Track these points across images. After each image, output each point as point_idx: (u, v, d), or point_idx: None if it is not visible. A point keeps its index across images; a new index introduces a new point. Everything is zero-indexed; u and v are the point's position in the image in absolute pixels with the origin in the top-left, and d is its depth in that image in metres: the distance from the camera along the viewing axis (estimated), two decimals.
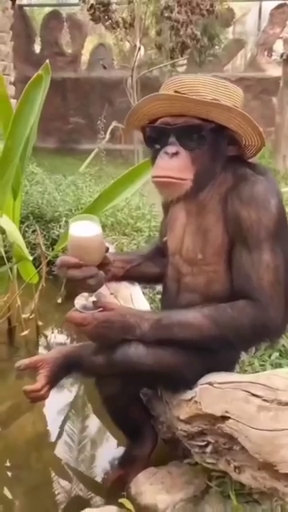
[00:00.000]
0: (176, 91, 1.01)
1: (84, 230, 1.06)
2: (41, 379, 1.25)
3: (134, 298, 1.87)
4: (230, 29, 10.21)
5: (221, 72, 9.28)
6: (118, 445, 1.62)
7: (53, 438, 1.70)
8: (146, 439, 1.43)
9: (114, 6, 3.91)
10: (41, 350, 2.37)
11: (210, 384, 1.02)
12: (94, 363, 1.21)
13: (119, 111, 8.76)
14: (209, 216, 1.11)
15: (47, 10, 10.72)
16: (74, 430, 1.76)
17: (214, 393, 0.98)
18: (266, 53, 9.55)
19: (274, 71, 9.04)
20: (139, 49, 3.95)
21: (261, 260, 1.02)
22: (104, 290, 1.19)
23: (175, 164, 1.02)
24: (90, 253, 1.09)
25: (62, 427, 1.76)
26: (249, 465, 0.92)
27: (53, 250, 2.98)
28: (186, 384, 1.17)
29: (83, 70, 9.90)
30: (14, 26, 5.98)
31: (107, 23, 4.45)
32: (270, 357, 1.51)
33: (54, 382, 1.27)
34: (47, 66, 2.11)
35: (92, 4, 3.70)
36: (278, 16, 8.98)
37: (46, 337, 2.49)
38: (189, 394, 1.12)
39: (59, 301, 2.74)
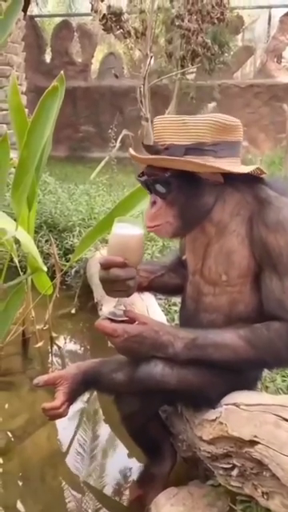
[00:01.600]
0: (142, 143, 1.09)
1: (129, 229, 1.05)
2: (59, 396, 1.22)
3: (151, 311, 1.85)
4: (239, 36, 10.22)
5: (230, 79, 9.31)
6: (136, 461, 1.59)
7: (68, 454, 1.67)
8: (166, 457, 1.39)
9: (125, 16, 3.93)
10: (55, 362, 2.35)
11: (237, 405, 0.98)
12: (114, 380, 1.19)
13: (129, 119, 8.81)
14: (232, 238, 1.08)
15: (57, 20, 10.83)
16: (90, 445, 1.73)
17: (241, 415, 0.94)
18: (275, 59, 9.54)
19: (284, 78, 9.04)
20: (151, 57, 3.96)
21: None
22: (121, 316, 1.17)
23: (151, 212, 1.08)
24: (135, 252, 1.07)
25: (77, 442, 1.73)
26: (279, 491, 0.88)
27: (66, 259, 2.98)
28: (209, 403, 1.14)
29: (93, 79, 9.98)
30: (25, 36, 6.04)
31: (117, 32, 4.46)
32: None
33: (72, 398, 1.25)
34: (62, 76, 2.10)
35: (104, 14, 3.72)
36: None
37: (59, 348, 2.47)
38: (212, 414, 1.09)
39: (73, 311, 2.72)
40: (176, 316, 2.00)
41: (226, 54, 8.32)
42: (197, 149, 1.01)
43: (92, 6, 3.79)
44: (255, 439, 0.86)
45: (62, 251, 3.05)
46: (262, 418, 0.87)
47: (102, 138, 9.49)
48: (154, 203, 1.08)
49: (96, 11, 3.75)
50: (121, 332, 1.07)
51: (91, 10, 3.90)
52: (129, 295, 1.12)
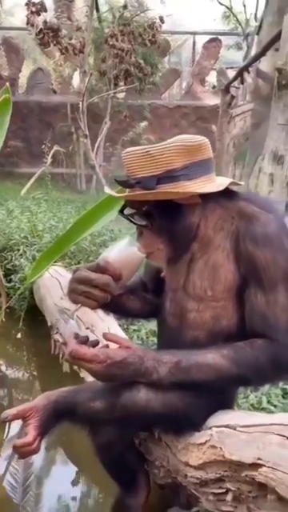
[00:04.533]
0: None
1: (137, 249, 1.06)
2: (30, 431, 1.13)
3: (112, 331, 1.78)
4: (166, 59, 10.62)
5: (159, 100, 9.60)
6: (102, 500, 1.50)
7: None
8: (141, 487, 1.33)
9: (63, 32, 3.89)
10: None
11: (231, 427, 0.96)
12: (92, 409, 1.11)
13: (60, 135, 8.72)
14: (217, 252, 1.07)
15: None
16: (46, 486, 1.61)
17: (239, 438, 0.92)
18: (200, 83, 10.03)
19: (209, 100, 9.52)
20: (91, 74, 3.95)
21: (277, 301, 1.01)
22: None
23: (141, 243, 1.09)
24: (131, 272, 1.07)
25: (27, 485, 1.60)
26: None
27: (7, 280, 2.81)
28: (193, 426, 1.11)
29: (21, 94, 9.77)
30: None
31: (51, 48, 4.40)
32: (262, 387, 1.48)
33: (44, 432, 1.16)
34: (7, 88, 2.01)
35: (41, 29, 3.65)
36: (212, 49, 9.51)
37: (3, 377, 2.29)
38: (200, 437, 1.05)
39: (18, 336, 2.56)
40: (135, 335, 1.96)
41: (155, 75, 8.57)
42: (168, 176, 1.01)
43: (28, 19, 3.70)
44: (259, 462, 0.84)
45: (3, 272, 2.87)
46: (264, 440, 0.85)
47: (30, 154, 9.29)
48: (141, 233, 1.09)
49: (32, 25, 3.67)
50: (103, 357, 1.01)
51: (27, 24, 3.80)
52: (93, 308, 1.10)
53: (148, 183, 1.01)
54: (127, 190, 1.06)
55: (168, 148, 1.01)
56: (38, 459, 1.67)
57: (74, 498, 1.50)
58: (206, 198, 1.07)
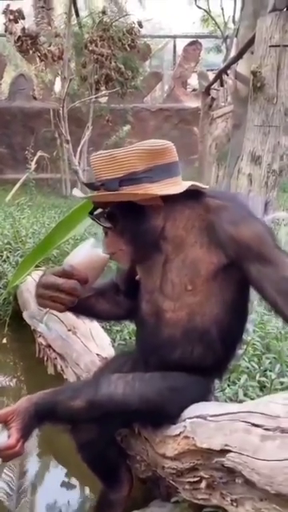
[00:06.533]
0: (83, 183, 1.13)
1: (100, 250, 1.10)
2: (13, 433, 1.15)
3: (94, 334, 1.83)
4: (147, 62, 10.71)
5: (141, 103, 9.67)
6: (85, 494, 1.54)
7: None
8: (123, 481, 1.37)
9: (42, 39, 3.92)
10: None
11: (202, 417, 1.00)
12: (72, 408, 1.15)
13: (43, 141, 8.73)
14: (194, 248, 1.11)
15: None
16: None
17: (208, 426, 0.96)
18: (182, 85, 10.13)
19: (191, 103, 9.61)
20: (70, 80, 3.99)
21: (285, 262, 1.04)
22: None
23: (106, 243, 1.14)
24: (97, 274, 1.10)
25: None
26: (249, 496, 0.91)
27: None
28: (169, 419, 1.15)
29: (3, 100, 9.77)
30: None
31: (31, 54, 4.43)
32: (239, 380, 1.53)
33: (27, 434, 1.18)
34: None
35: (19, 36, 3.68)
36: (192, 52, 9.62)
37: None
38: (175, 429, 1.10)
39: (4, 341, 2.59)
40: (118, 336, 2.00)
41: (136, 79, 8.62)
42: (130, 179, 1.06)
43: (6, 27, 3.73)
44: (226, 448, 0.88)
45: None
46: (231, 427, 0.90)
47: (14, 159, 9.28)
48: (106, 234, 1.13)
49: (11, 33, 3.70)
50: None
51: (5, 31, 3.83)
52: (61, 311, 1.14)
53: (111, 185, 1.05)
54: (95, 192, 1.11)
55: (131, 151, 1.06)
56: (30, 466, 1.69)
57: (67, 502, 1.53)
58: (171, 200, 1.10)
